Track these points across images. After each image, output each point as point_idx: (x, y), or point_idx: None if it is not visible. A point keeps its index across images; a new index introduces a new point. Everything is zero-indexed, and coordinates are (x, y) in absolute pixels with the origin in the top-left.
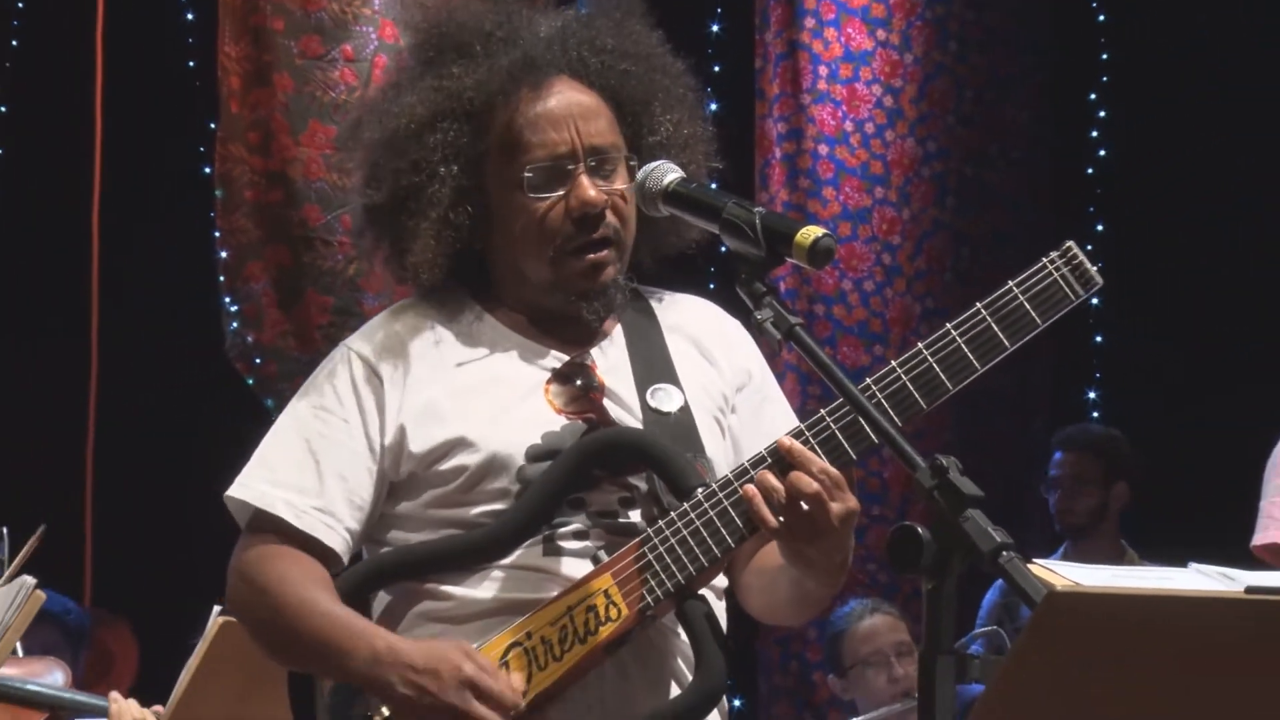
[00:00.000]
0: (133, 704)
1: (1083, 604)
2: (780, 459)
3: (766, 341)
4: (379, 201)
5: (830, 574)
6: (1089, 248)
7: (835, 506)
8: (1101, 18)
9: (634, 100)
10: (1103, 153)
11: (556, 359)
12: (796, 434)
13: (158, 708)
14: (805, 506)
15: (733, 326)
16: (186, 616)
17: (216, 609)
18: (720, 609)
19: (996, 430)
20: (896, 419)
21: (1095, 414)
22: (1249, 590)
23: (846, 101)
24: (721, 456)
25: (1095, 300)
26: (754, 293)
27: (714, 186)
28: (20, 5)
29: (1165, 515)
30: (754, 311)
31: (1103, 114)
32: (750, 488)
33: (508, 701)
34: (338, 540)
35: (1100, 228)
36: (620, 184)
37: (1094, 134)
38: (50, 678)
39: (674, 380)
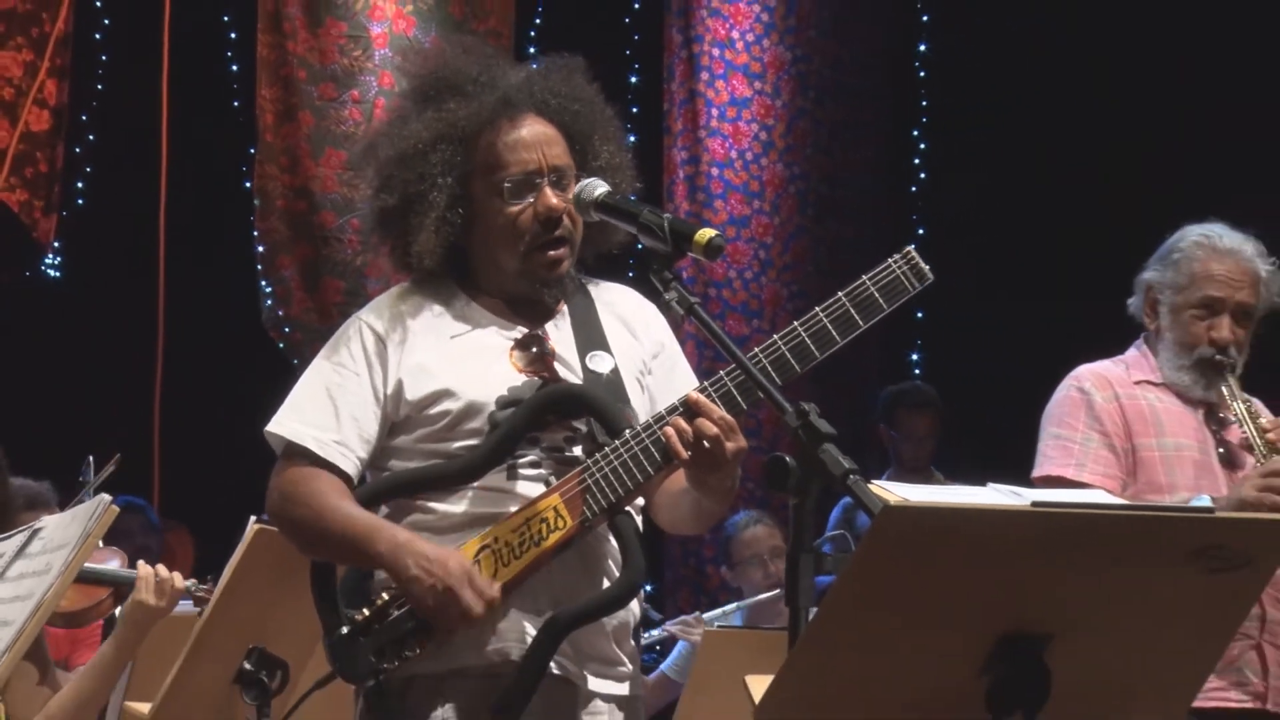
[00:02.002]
0: (160, 569)
1: (911, 514)
2: (689, 409)
3: (673, 316)
4: (391, 204)
5: (723, 495)
6: (912, 246)
7: (730, 445)
8: (923, 74)
9: (581, 133)
10: (923, 175)
11: (519, 331)
12: (701, 389)
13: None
14: (707, 445)
15: (650, 309)
16: (230, 525)
17: (253, 519)
18: (639, 522)
19: (844, 383)
20: (777, 379)
21: (918, 370)
22: (1034, 504)
23: (732, 136)
24: (642, 407)
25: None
26: (663, 279)
27: (633, 199)
28: (104, 58)
29: (967, 446)
30: (663, 293)
31: (923, 146)
32: (668, 429)
33: (488, 595)
34: (351, 466)
35: (920, 231)
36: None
37: (916, 161)
38: (110, 563)
39: (607, 349)
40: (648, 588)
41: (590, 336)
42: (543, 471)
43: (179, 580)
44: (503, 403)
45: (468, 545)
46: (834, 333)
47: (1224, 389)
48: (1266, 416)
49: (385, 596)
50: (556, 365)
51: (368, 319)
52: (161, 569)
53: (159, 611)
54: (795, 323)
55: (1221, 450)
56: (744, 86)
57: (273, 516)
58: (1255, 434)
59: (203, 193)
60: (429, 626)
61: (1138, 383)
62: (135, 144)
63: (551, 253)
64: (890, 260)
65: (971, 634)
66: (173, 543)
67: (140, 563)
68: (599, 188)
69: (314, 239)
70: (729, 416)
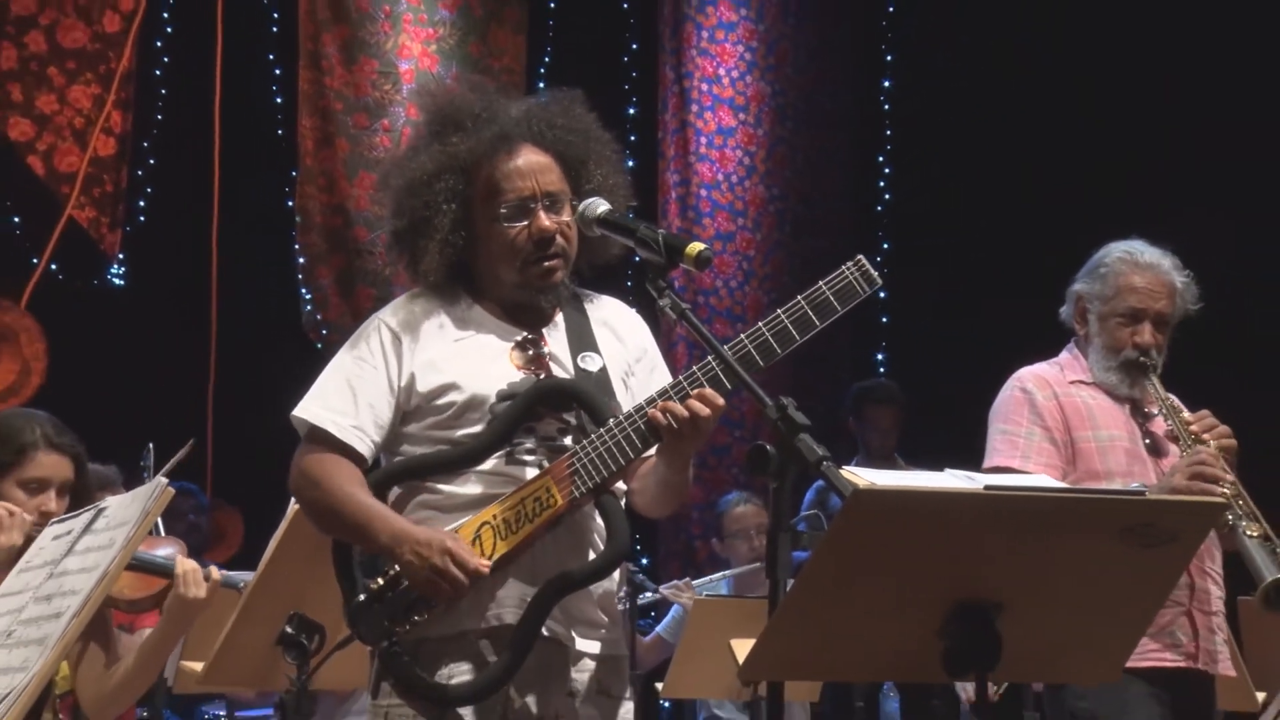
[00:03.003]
0: (191, 562)
1: (877, 497)
2: (671, 396)
3: (666, 319)
4: (401, 228)
5: (686, 467)
6: (878, 259)
7: (705, 415)
8: (886, 106)
9: (576, 159)
10: (887, 196)
11: (518, 334)
12: (689, 373)
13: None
14: (692, 420)
15: (636, 319)
16: (274, 506)
17: (293, 501)
18: (622, 504)
19: (818, 379)
20: (742, 374)
21: (882, 369)
22: (986, 487)
23: (719, 161)
24: (626, 403)
25: (883, 293)
26: (658, 287)
27: (631, 216)
28: (163, 91)
29: (926, 436)
30: (658, 299)
31: (886, 170)
32: (655, 411)
33: (472, 565)
34: (367, 449)
35: (886, 246)
36: (565, 217)
37: (881, 184)
38: (167, 549)
39: (596, 350)
40: (643, 561)
41: (582, 340)
42: (537, 457)
43: (215, 573)
44: (502, 396)
45: (470, 522)
46: (794, 331)
47: (1149, 387)
48: (1186, 411)
49: (397, 568)
50: (551, 364)
51: (386, 319)
52: (191, 563)
53: (199, 604)
54: (760, 323)
55: (1148, 440)
56: (729, 117)
57: (294, 493)
58: (1180, 426)
59: (250, 210)
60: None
61: (1072, 382)
62: (190, 167)
63: (546, 263)
64: (844, 267)
65: (930, 603)
66: (223, 522)
67: (179, 559)
68: (600, 206)
69: (348, 252)
70: (718, 397)
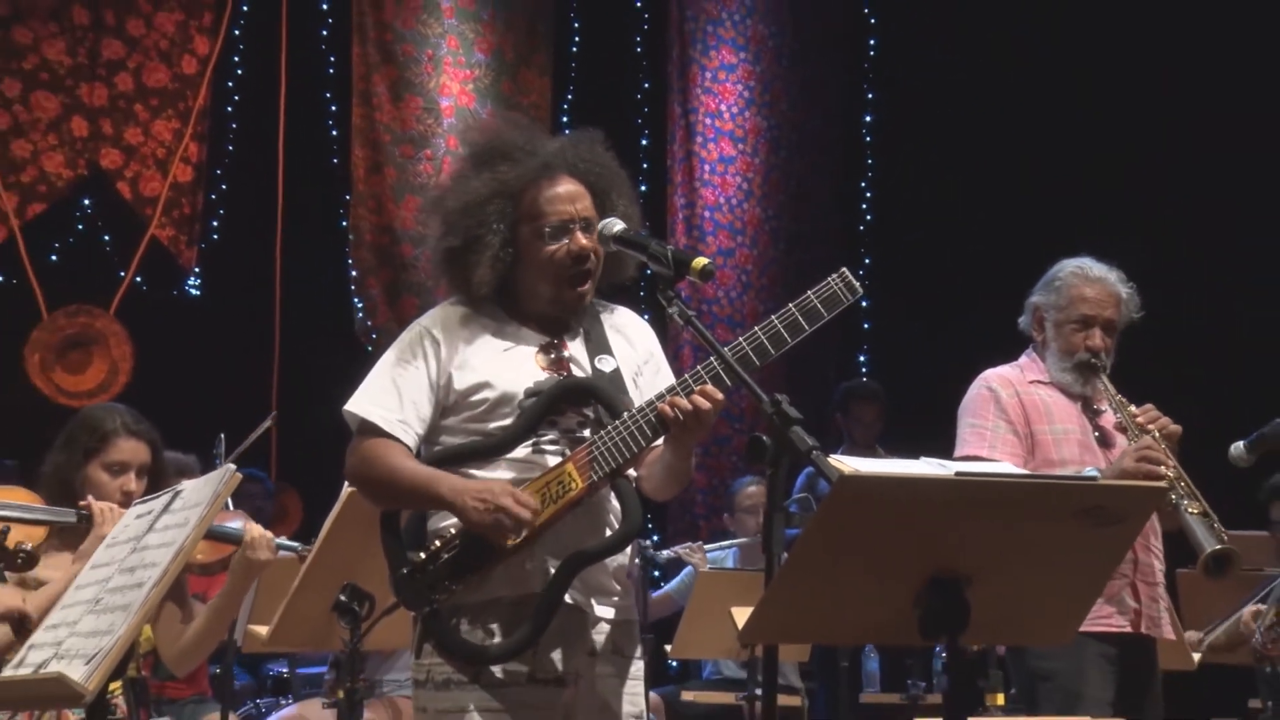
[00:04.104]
0: (258, 527)
1: (861, 482)
2: (678, 392)
3: (674, 325)
4: (456, 245)
5: (689, 456)
6: (860, 272)
7: (707, 409)
8: (868, 138)
9: (602, 189)
10: (869, 217)
11: (543, 339)
12: (693, 374)
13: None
14: (696, 414)
15: (644, 326)
16: (330, 489)
17: (347, 484)
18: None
19: (808, 378)
20: (741, 372)
21: (865, 370)
22: (957, 474)
23: (720, 186)
24: (636, 399)
25: (865, 301)
26: (667, 296)
27: (644, 233)
28: (234, 126)
29: (904, 428)
30: (667, 307)
31: (868, 194)
32: (663, 405)
33: (534, 505)
34: (411, 439)
35: (867, 260)
36: (596, 242)
37: (863, 205)
38: (236, 523)
39: (610, 353)
40: (654, 537)
41: (598, 344)
42: (559, 446)
43: (271, 538)
44: (529, 393)
45: None
46: (785, 335)
47: (1100, 385)
48: (1133, 406)
49: (438, 543)
50: (571, 366)
51: (427, 324)
52: (259, 528)
53: (261, 564)
54: (756, 328)
55: (1097, 433)
56: (729, 147)
57: (351, 478)
58: (1128, 419)
59: (309, 229)
60: (470, 567)
61: (1031, 382)
62: (257, 192)
63: (580, 288)
64: (829, 278)
65: (907, 575)
66: (285, 502)
67: (246, 524)
68: (617, 224)
69: (395, 266)
70: (718, 394)
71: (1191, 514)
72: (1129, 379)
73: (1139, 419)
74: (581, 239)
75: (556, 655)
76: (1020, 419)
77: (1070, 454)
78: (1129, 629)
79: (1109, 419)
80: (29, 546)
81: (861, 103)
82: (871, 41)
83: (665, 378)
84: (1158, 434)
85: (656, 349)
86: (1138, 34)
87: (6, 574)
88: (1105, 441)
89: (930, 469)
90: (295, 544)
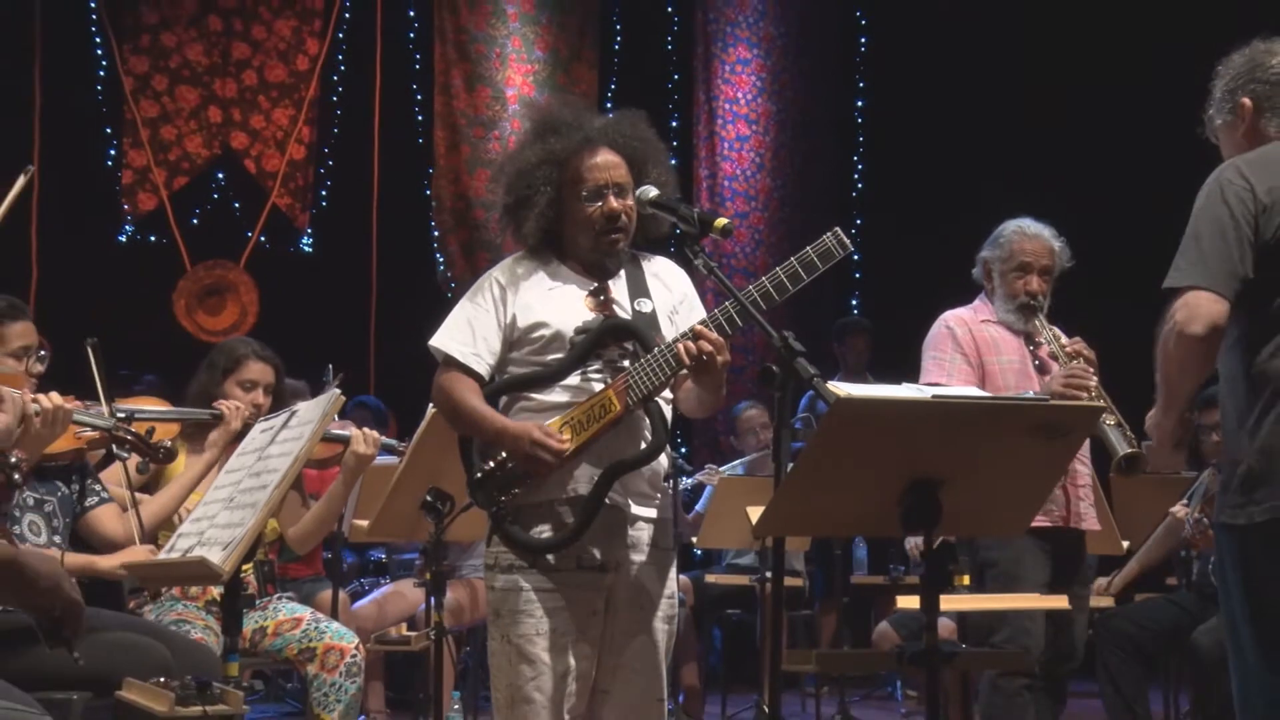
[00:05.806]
0: (366, 431)
1: (854, 404)
2: (695, 335)
3: (699, 274)
4: (510, 203)
5: (715, 389)
6: (852, 231)
7: (719, 358)
8: (860, 120)
9: (640, 159)
10: (860, 185)
11: (591, 284)
12: (704, 320)
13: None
14: (704, 357)
15: (680, 272)
16: (418, 410)
17: (431, 406)
18: (668, 410)
19: (810, 317)
20: (758, 311)
21: (856, 309)
22: (934, 396)
23: (737, 160)
24: (671, 334)
25: (855, 255)
26: (694, 251)
27: (675, 199)
28: (338, 113)
29: (889, 358)
30: (693, 260)
31: (860, 167)
32: (679, 348)
33: (557, 446)
34: (484, 368)
35: (859, 220)
36: (629, 201)
37: (855, 176)
38: (343, 429)
39: (649, 296)
40: (682, 450)
41: (638, 289)
42: (603, 375)
43: (376, 436)
44: (578, 331)
45: (556, 420)
46: (788, 283)
47: (1037, 323)
48: (1064, 338)
49: (503, 454)
50: (615, 307)
51: (496, 275)
52: (366, 431)
53: (367, 458)
54: (764, 278)
55: (1036, 362)
56: (745, 128)
57: (434, 401)
58: (1059, 349)
59: (400, 198)
60: (529, 474)
61: (982, 321)
62: (358, 166)
63: (613, 236)
64: (824, 236)
65: (891, 480)
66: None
67: (351, 424)
68: (652, 191)
69: (470, 227)
70: (719, 339)
71: (1109, 425)
72: (1065, 315)
73: (1068, 349)
74: (613, 202)
75: (599, 548)
76: (973, 351)
77: (1015, 380)
78: (1061, 524)
79: (1045, 350)
80: (169, 442)
81: (854, 90)
82: (862, 40)
83: (698, 314)
84: (1082, 360)
85: (690, 291)
86: (1112, 11)
87: (150, 465)
88: (1042, 369)
89: (911, 393)
90: (394, 441)
